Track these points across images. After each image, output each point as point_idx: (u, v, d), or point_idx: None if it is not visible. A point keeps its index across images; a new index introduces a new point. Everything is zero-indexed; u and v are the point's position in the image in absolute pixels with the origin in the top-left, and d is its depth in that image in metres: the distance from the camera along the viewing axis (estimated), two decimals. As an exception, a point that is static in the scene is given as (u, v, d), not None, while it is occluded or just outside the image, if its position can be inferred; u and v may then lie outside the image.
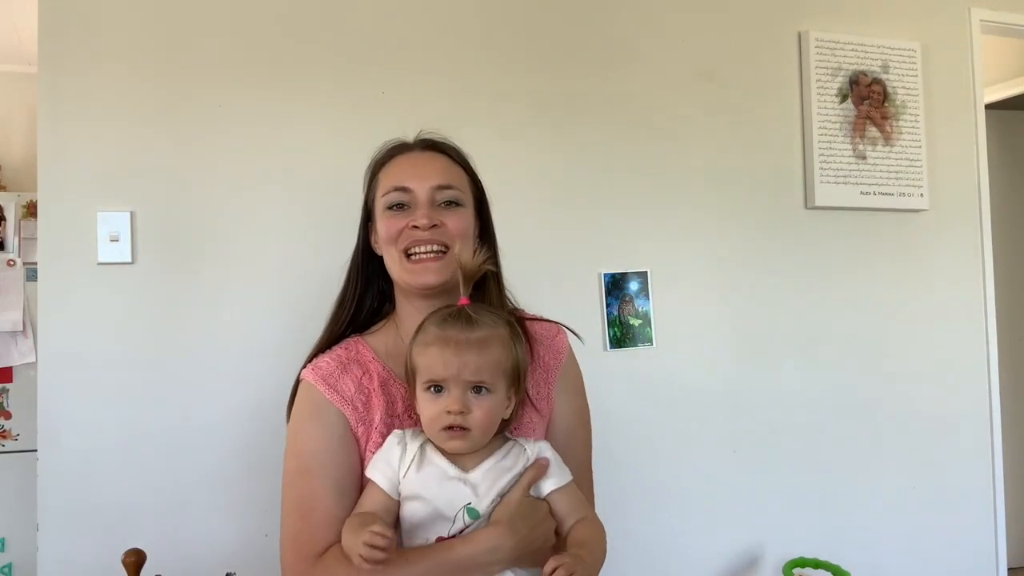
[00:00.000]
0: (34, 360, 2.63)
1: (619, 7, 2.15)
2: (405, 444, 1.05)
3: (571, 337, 1.28)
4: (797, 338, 2.28)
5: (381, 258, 1.21)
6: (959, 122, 2.51)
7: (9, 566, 2.88)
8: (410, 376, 1.07)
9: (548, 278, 2.02)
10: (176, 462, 1.74)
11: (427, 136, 1.25)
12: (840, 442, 2.30)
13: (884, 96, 2.38)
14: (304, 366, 1.19)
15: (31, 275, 2.91)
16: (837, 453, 2.30)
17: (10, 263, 2.96)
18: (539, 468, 1.06)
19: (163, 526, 1.70)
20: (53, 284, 1.71)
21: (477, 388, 1.02)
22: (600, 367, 2.05)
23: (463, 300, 1.08)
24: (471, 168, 1.25)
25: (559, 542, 1.06)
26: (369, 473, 1.06)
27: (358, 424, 1.12)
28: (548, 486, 1.07)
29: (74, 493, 1.69)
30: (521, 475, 1.05)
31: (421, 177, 1.17)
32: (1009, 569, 2.51)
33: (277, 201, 1.84)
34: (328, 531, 1.06)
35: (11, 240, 2.98)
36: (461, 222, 1.17)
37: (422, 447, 1.04)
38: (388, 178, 1.20)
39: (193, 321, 1.78)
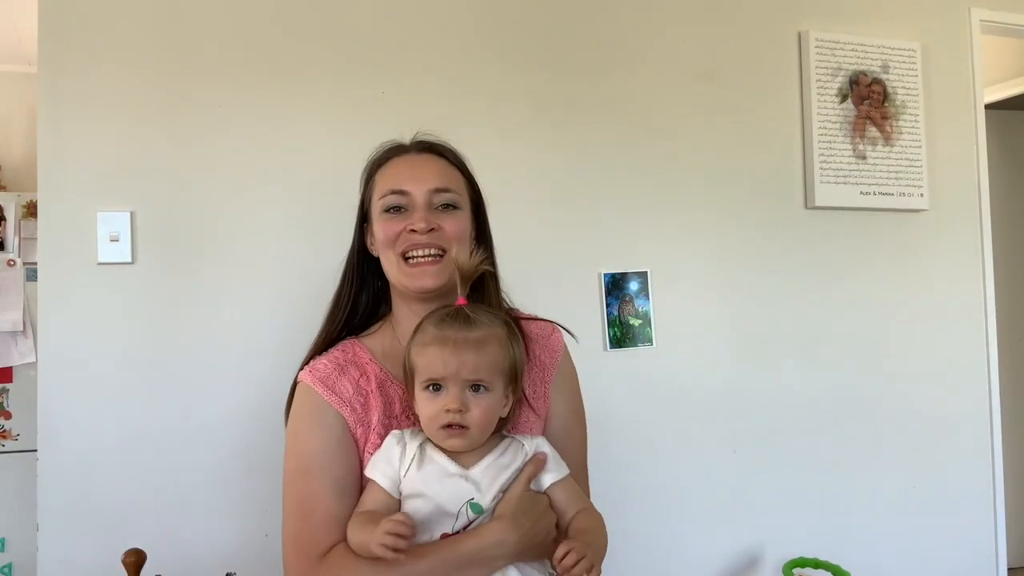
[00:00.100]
0: (34, 360, 2.63)
1: (619, 7, 2.15)
2: (404, 443, 1.06)
3: (566, 336, 1.28)
4: (797, 338, 2.29)
5: (376, 259, 1.21)
6: (959, 122, 2.51)
7: (9, 566, 2.88)
8: (408, 376, 1.07)
9: (548, 278, 2.02)
10: (176, 462, 1.74)
11: (424, 138, 1.25)
12: (840, 442, 2.30)
13: (884, 96, 2.38)
14: (301, 368, 1.19)
15: (31, 275, 2.91)
16: (837, 453, 2.30)
17: (10, 263, 2.96)
18: (537, 463, 1.08)
19: (163, 526, 1.70)
20: (53, 284, 1.71)
21: (475, 387, 1.03)
22: (600, 367, 2.06)
23: (460, 300, 1.08)
24: (468, 170, 1.25)
25: (560, 535, 1.07)
26: (369, 473, 1.07)
27: (356, 425, 1.12)
28: (548, 479, 1.08)
29: (74, 493, 1.69)
30: (521, 470, 1.06)
31: (418, 180, 1.17)
32: (1009, 569, 2.51)
33: (277, 201, 1.84)
34: (330, 531, 1.07)
35: (11, 240, 2.98)
36: (458, 225, 1.17)
37: (422, 446, 1.05)
38: (385, 180, 1.19)
39: (193, 321, 1.78)
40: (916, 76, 2.42)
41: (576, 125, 2.09)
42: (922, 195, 2.40)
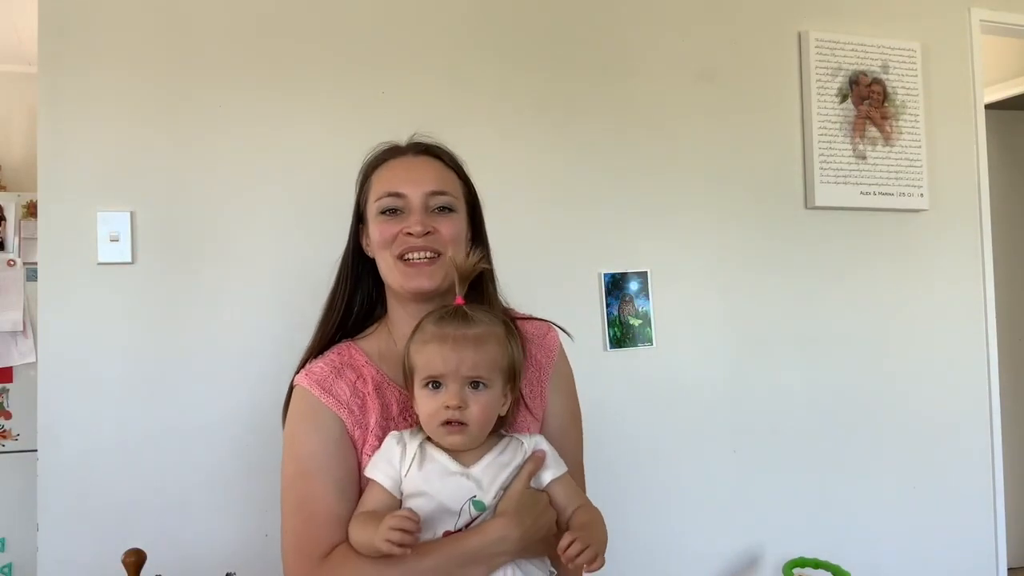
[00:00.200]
0: (34, 360, 2.63)
1: (619, 7, 2.15)
2: (404, 443, 1.06)
3: (561, 335, 1.28)
4: (797, 338, 2.29)
5: (371, 260, 1.21)
6: (959, 122, 2.51)
7: (9, 566, 2.88)
8: (408, 376, 1.08)
9: (548, 278, 2.02)
10: (176, 462, 1.74)
11: (420, 140, 1.25)
12: (840, 442, 2.30)
13: (884, 96, 2.38)
14: (297, 372, 1.19)
15: (31, 275, 2.91)
16: (837, 453, 2.30)
17: (10, 263, 2.96)
18: (537, 460, 1.08)
19: (163, 526, 1.70)
20: (53, 284, 1.71)
21: (475, 384, 1.04)
22: (600, 367, 2.06)
23: (459, 300, 1.09)
24: (464, 172, 1.25)
25: (559, 532, 1.07)
26: (370, 473, 1.07)
27: (354, 427, 1.12)
28: (547, 476, 1.09)
29: (74, 493, 1.69)
30: (521, 468, 1.06)
31: (415, 182, 1.17)
32: (1009, 569, 2.51)
33: (277, 201, 1.84)
34: (331, 531, 1.07)
35: (11, 240, 2.98)
36: (454, 227, 1.17)
37: (421, 445, 1.06)
38: (381, 182, 1.19)
39: (193, 321, 1.78)
40: (916, 76, 2.42)
41: (576, 125, 2.09)
42: (922, 195, 2.40)
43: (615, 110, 2.13)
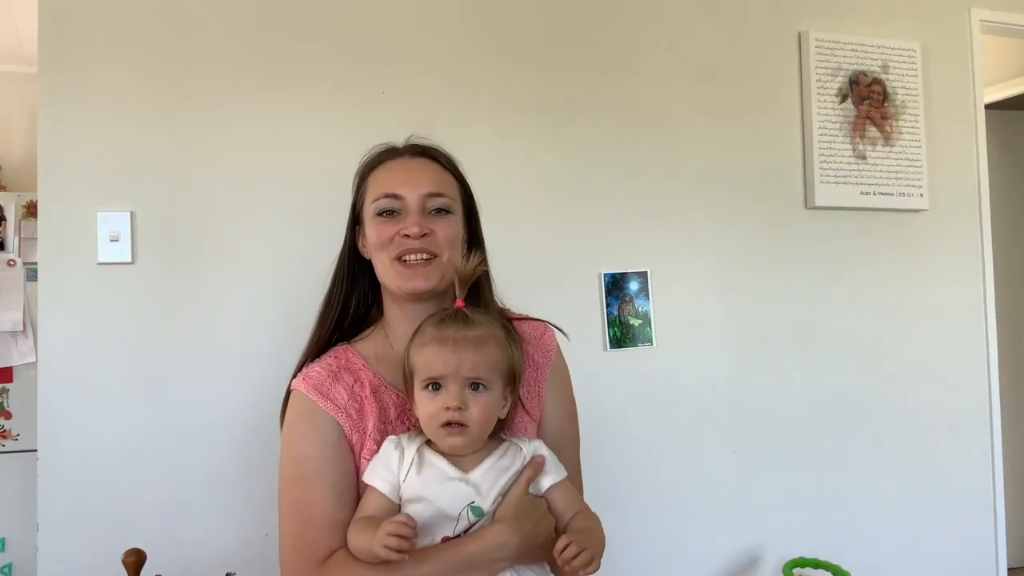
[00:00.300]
0: (34, 360, 2.63)
1: (619, 7, 2.15)
2: (402, 448, 1.06)
3: (558, 335, 1.28)
4: (797, 338, 2.29)
5: (367, 261, 1.21)
6: (959, 122, 2.51)
7: (9, 566, 2.88)
8: (407, 378, 1.08)
9: (548, 278, 2.02)
10: (176, 462, 1.74)
11: (417, 141, 1.25)
12: (840, 442, 2.30)
13: (884, 96, 2.38)
14: (294, 376, 1.19)
15: (31, 275, 2.91)
16: (837, 453, 2.30)
17: (10, 263, 2.96)
18: (536, 466, 1.08)
19: (163, 526, 1.70)
20: (53, 284, 1.71)
21: (475, 385, 1.03)
22: (600, 367, 2.06)
23: (459, 303, 1.09)
24: (460, 174, 1.25)
25: (558, 538, 1.07)
26: (368, 478, 1.07)
27: (352, 431, 1.12)
28: (547, 482, 1.08)
29: (74, 493, 1.69)
30: (520, 473, 1.06)
31: (412, 184, 1.17)
32: (1009, 569, 2.51)
33: (277, 201, 1.84)
34: (329, 536, 1.07)
35: (11, 240, 2.98)
36: (451, 229, 1.17)
37: (419, 450, 1.05)
38: (378, 184, 1.19)
39: (193, 321, 1.78)
40: (916, 76, 2.42)
41: (576, 125, 2.09)
42: (922, 195, 2.40)
43: (615, 110, 2.13)
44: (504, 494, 1.04)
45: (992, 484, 2.46)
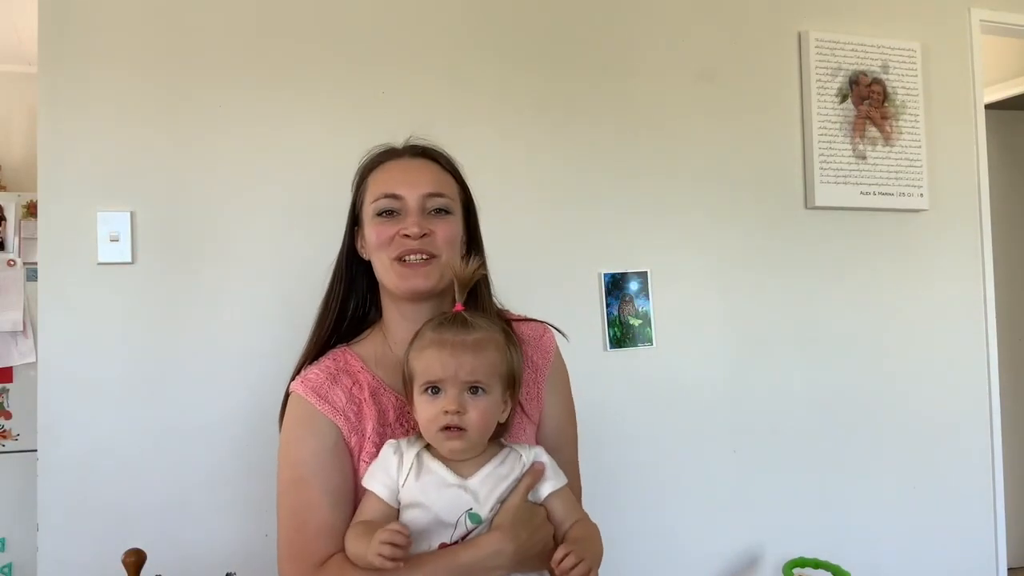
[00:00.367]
0: (34, 360, 2.63)
1: (619, 7, 2.15)
2: (401, 453, 1.05)
3: (557, 336, 1.28)
4: (797, 338, 2.29)
5: (366, 262, 1.21)
6: (959, 122, 2.51)
7: (9, 566, 2.88)
8: (407, 382, 1.07)
9: (548, 278, 2.02)
10: (176, 462, 1.74)
11: (417, 142, 1.25)
12: (840, 442, 2.30)
13: (884, 96, 2.38)
14: (292, 378, 1.19)
15: (31, 275, 2.91)
16: (837, 453, 2.30)
17: (10, 263, 2.96)
18: (536, 473, 1.07)
19: (163, 526, 1.70)
20: (53, 284, 1.71)
21: (474, 389, 1.03)
22: (600, 367, 2.06)
23: (458, 306, 1.08)
24: (460, 175, 1.25)
25: (556, 546, 1.06)
26: (367, 483, 1.06)
27: (351, 434, 1.12)
28: (546, 489, 1.08)
29: (74, 493, 1.69)
30: (519, 480, 1.06)
31: (411, 184, 1.17)
32: (1009, 569, 2.51)
33: (277, 201, 1.84)
34: (326, 540, 1.07)
35: (11, 240, 2.98)
36: (450, 230, 1.17)
37: (419, 455, 1.05)
38: (378, 184, 1.19)
39: (193, 321, 1.78)
40: (916, 76, 2.42)
41: (576, 125, 2.09)
42: (922, 195, 2.40)
43: (615, 110, 2.13)
44: (503, 501, 1.04)
45: (992, 484, 2.46)
